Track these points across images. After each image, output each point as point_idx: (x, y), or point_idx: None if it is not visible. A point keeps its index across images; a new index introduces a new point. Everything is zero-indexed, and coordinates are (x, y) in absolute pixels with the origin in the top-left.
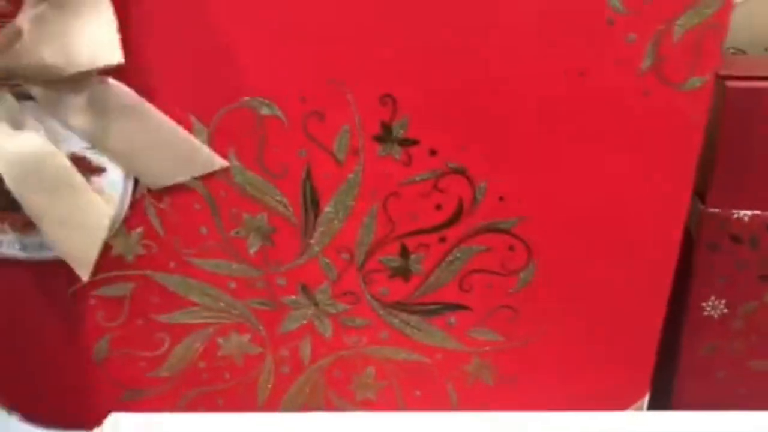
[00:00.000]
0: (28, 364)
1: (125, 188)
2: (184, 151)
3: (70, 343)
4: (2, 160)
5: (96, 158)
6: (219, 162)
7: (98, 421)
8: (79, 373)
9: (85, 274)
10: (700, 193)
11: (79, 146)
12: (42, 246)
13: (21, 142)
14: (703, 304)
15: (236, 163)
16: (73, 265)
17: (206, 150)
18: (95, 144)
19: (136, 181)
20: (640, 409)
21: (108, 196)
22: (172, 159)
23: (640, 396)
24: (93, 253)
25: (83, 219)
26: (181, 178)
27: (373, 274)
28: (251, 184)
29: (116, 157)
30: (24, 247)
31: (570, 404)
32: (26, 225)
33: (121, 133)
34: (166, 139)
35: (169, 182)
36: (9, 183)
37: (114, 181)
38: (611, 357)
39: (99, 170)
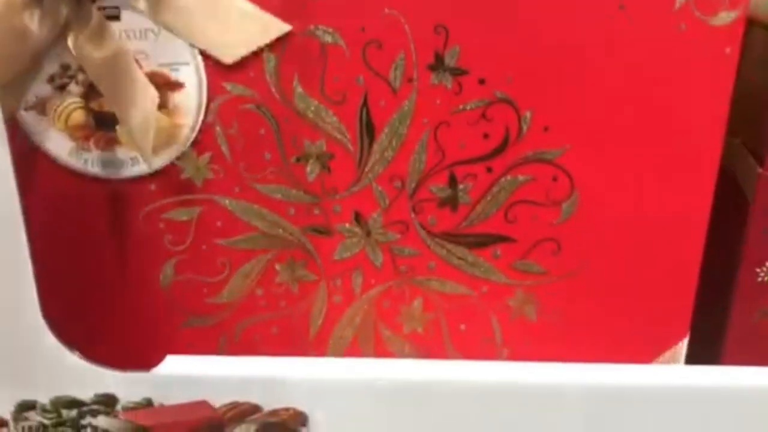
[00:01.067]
0: (93, 295)
1: (199, 103)
2: (249, 21)
3: (139, 268)
4: (92, 66)
5: (174, 73)
6: (280, 27)
7: (154, 363)
8: (146, 299)
9: (150, 160)
10: (757, 156)
11: (157, 63)
12: (117, 163)
13: (106, 49)
14: (757, 270)
15: (299, 89)
16: (140, 151)
17: (267, 15)
18: (182, 33)
19: (208, 103)
20: (679, 351)
21: (184, 109)
22: (247, 29)
23: (681, 336)
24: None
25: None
26: (258, 44)
27: (423, 203)
28: (312, 110)
29: (198, 37)
30: (104, 165)
31: (610, 342)
32: (108, 142)
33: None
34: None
35: (246, 51)
36: (96, 81)
37: (192, 94)
38: (651, 293)
39: (178, 86)
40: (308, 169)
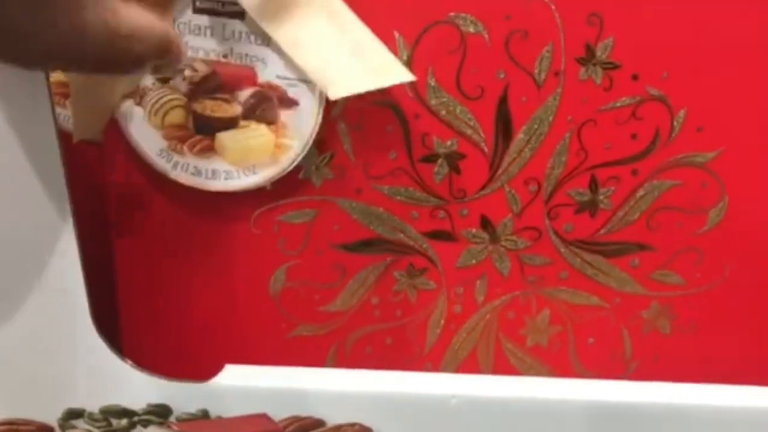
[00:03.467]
0: (196, 306)
1: (311, 127)
2: (377, 61)
3: (248, 274)
4: None
5: (292, 90)
6: (407, 76)
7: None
8: (254, 306)
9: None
10: None
11: (275, 75)
12: (215, 174)
13: None
14: None
15: (433, 83)
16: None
17: (398, 63)
18: (290, 50)
19: (321, 129)
20: None
21: (292, 130)
22: (364, 67)
23: None
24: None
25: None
26: (367, 87)
27: (559, 208)
28: (445, 106)
29: (308, 60)
30: (198, 172)
31: (747, 363)
32: (203, 150)
33: (319, 35)
34: (362, 45)
35: (354, 91)
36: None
37: (305, 115)
38: None
39: (292, 103)
40: (436, 169)
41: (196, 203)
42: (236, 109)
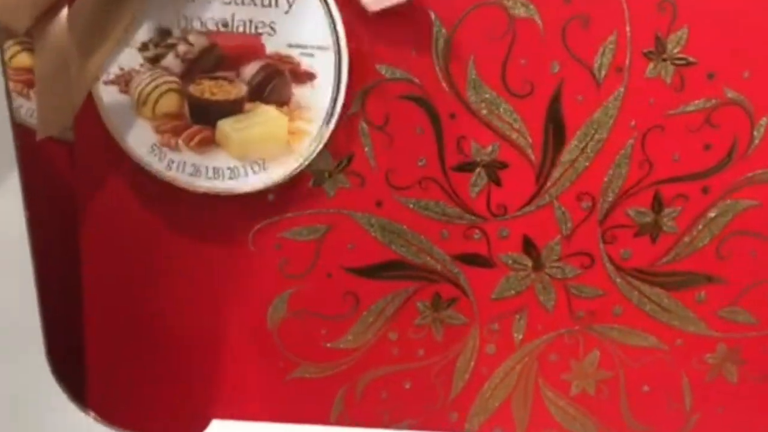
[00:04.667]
0: (177, 343)
1: (332, 106)
2: None
3: (242, 303)
4: None
5: (307, 60)
6: None
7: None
8: (247, 342)
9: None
10: None
11: (286, 43)
12: (217, 172)
13: None
14: None
15: (474, 75)
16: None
17: None
18: None
19: (344, 110)
20: None
21: (311, 112)
22: None
23: None
24: None
25: None
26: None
27: (616, 230)
28: (487, 103)
29: None
30: (197, 171)
31: None
32: (203, 143)
33: None
34: None
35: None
36: None
37: (324, 91)
38: None
39: (307, 77)
40: (473, 180)
41: (180, 216)
42: (241, 89)
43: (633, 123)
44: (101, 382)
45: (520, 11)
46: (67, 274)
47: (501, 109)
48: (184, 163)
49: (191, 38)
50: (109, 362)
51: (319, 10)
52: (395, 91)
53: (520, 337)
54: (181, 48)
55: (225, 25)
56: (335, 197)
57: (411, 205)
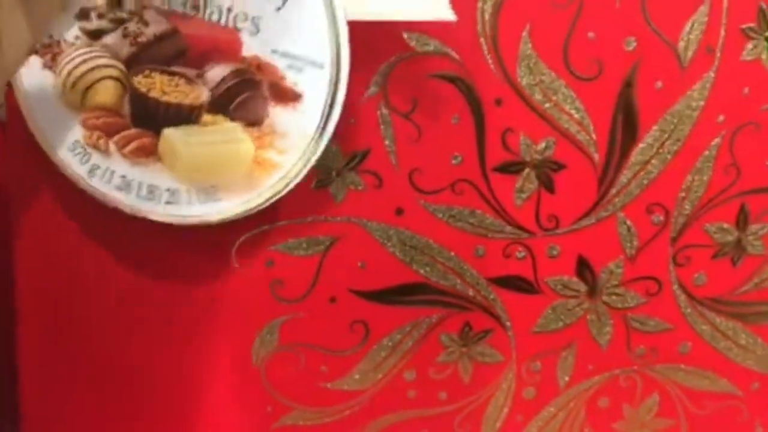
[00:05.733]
0: (139, 384)
1: (319, 134)
2: None
3: (222, 333)
4: None
5: (293, 75)
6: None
7: None
8: (228, 382)
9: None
10: None
11: (270, 48)
12: (152, 192)
13: None
14: None
15: (528, 50)
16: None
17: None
18: None
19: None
20: None
21: (287, 143)
22: None
23: None
24: None
25: None
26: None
27: (691, 250)
28: (543, 88)
29: None
30: (126, 186)
31: None
32: (140, 151)
33: None
34: None
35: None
36: None
37: (309, 120)
38: None
39: (291, 96)
40: (519, 184)
41: (137, 224)
42: (200, 94)
43: (721, 118)
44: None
45: None
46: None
47: (560, 95)
48: (112, 172)
49: (148, 16)
50: (51, 407)
51: (321, 15)
52: (426, 68)
53: (566, 379)
54: (133, 27)
55: (195, 7)
56: (344, 202)
57: (440, 215)
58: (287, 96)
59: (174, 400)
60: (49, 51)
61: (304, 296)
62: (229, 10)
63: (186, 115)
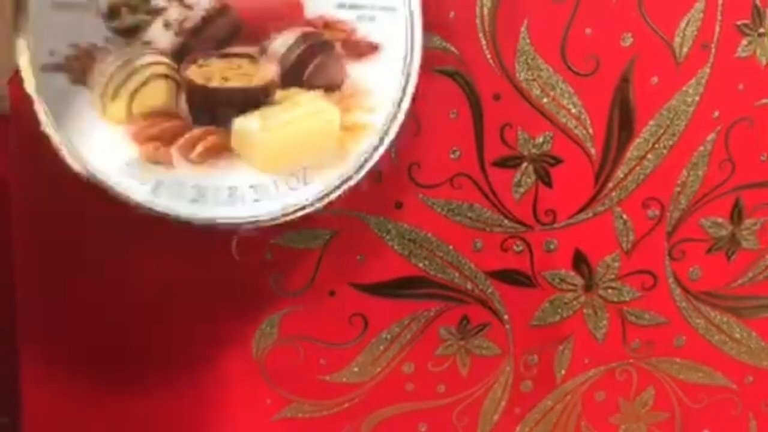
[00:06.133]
0: (137, 378)
1: (402, 90)
2: None
3: (221, 326)
4: None
5: (366, 26)
6: None
7: None
8: (227, 374)
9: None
10: None
11: (335, 2)
12: (234, 194)
13: None
14: None
15: (526, 46)
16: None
17: None
18: None
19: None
20: None
21: (373, 100)
22: None
23: None
24: None
25: None
26: None
27: (686, 244)
28: (541, 83)
29: None
30: (201, 194)
31: None
32: (210, 151)
33: None
34: None
35: None
36: None
37: (393, 68)
38: None
39: (368, 49)
40: (517, 178)
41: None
42: (268, 71)
43: (716, 113)
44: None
45: None
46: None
47: (557, 90)
48: (182, 184)
49: None
50: (53, 400)
51: None
52: (425, 63)
53: (563, 372)
54: (174, 13)
55: None
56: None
57: (438, 208)
58: (363, 49)
59: (174, 392)
60: (77, 63)
61: (304, 289)
62: None
63: (256, 99)
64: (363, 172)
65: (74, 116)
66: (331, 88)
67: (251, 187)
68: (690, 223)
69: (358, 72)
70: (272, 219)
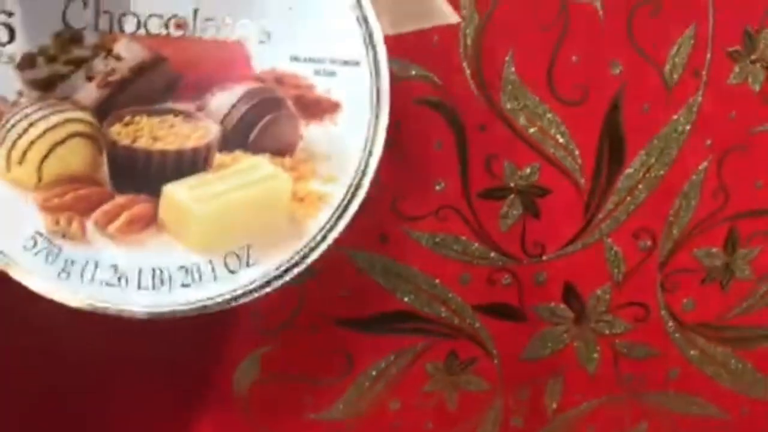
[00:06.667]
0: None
1: (369, 147)
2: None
3: (201, 364)
4: None
5: (324, 81)
6: (452, 16)
7: None
8: (207, 413)
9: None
10: None
11: (289, 54)
12: (159, 277)
13: None
14: None
15: (512, 75)
16: None
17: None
18: None
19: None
20: None
21: (336, 166)
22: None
23: None
24: None
25: None
26: (412, 26)
27: (679, 275)
28: (527, 113)
29: None
30: (119, 277)
31: None
32: (132, 223)
33: None
34: None
35: (401, 29)
36: None
37: (354, 128)
38: None
39: (326, 108)
40: (504, 210)
41: None
42: (206, 130)
43: (709, 142)
44: None
45: None
46: None
47: (545, 120)
48: (96, 263)
49: (119, 48)
50: None
51: (343, 2)
52: (408, 93)
53: (554, 406)
54: (99, 64)
55: (181, 26)
56: None
57: (424, 241)
58: (321, 108)
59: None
60: None
61: (286, 325)
62: (227, 20)
63: (191, 163)
64: (318, 252)
65: None
66: (281, 152)
67: (181, 268)
68: (683, 253)
69: (314, 134)
70: (202, 309)
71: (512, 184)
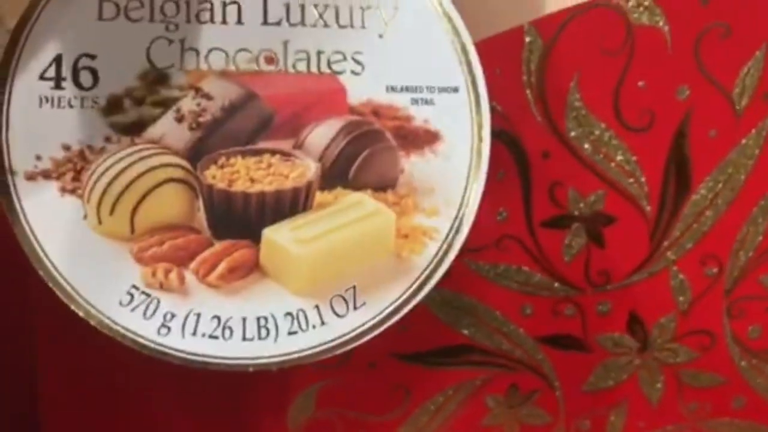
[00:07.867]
0: None
1: (471, 176)
2: None
3: (255, 401)
4: None
5: (423, 110)
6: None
7: None
8: None
9: None
10: None
11: (385, 84)
12: (264, 326)
13: None
14: None
15: (576, 101)
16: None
17: None
18: None
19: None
20: None
21: (440, 199)
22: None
23: None
24: None
25: None
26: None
27: (746, 302)
28: (592, 139)
29: None
30: (222, 327)
31: None
32: (232, 271)
33: None
34: None
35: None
36: None
37: (458, 161)
38: None
39: (426, 138)
40: (568, 240)
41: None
42: (305, 169)
43: None
44: None
45: (642, 17)
46: None
47: (610, 147)
48: (198, 315)
49: (208, 86)
50: None
51: (437, 26)
52: None
53: None
54: (189, 104)
55: (270, 59)
56: None
57: (485, 273)
58: (421, 139)
59: None
60: (68, 168)
61: (342, 361)
62: (319, 52)
63: (291, 204)
64: (427, 289)
65: (63, 235)
66: (383, 187)
67: (287, 314)
68: (749, 280)
69: (415, 166)
70: (313, 356)
71: (576, 213)
